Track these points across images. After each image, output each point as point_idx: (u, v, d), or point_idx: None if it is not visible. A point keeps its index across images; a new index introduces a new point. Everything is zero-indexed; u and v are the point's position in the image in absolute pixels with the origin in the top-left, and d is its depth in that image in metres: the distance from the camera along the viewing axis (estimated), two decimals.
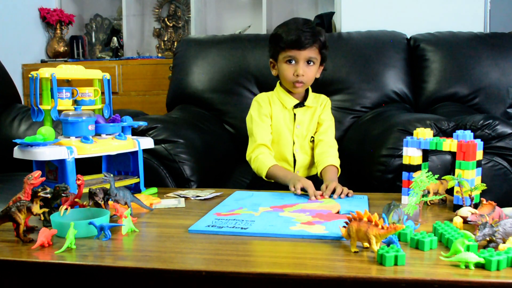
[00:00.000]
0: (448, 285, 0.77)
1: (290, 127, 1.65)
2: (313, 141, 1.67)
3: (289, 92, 1.66)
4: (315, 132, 1.68)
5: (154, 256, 0.90)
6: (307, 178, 1.48)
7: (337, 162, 1.58)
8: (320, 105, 1.70)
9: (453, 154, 1.33)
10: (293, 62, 1.57)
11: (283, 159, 1.65)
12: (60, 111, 1.32)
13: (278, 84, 1.70)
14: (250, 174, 1.77)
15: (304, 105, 1.65)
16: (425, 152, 1.32)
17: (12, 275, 0.91)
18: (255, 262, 0.87)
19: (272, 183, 1.57)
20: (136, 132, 1.67)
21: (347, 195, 1.36)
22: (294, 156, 1.65)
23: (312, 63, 1.58)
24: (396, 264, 0.83)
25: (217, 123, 2.16)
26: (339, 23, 2.50)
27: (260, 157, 1.59)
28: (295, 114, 1.65)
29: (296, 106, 1.65)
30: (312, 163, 1.67)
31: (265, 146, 1.61)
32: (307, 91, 1.69)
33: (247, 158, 1.64)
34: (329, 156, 1.58)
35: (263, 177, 1.56)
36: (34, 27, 3.21)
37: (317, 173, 1.61)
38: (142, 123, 1.52)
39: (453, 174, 1.23)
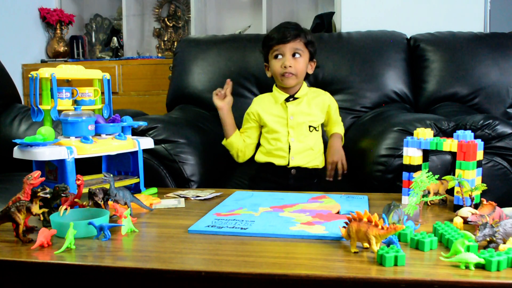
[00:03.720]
0: (448, 285, 0.77)
1: (283, 120, 1.70)
2: (311, 130, 1.71)
3: (283, 89, 1.72)
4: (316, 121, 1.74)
5: (153, 257, 0.90)
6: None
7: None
8: (323, 96, 1.77)
9: (453, 154, 1.33)
10: (280, 56, 1.68)
11: (278, 148, 1.70)
12: (60, 111, 1.32)
13: (274, 85, 1.77)
14: (250, 174, 1.77)
15: (295, 98, 1.71)
16: (425, 152, 1.31)
17: (12, 275, 0.90)
18: (254, 262, 0.87)
19: (271, 185, 1.63)
20: (136, 132, 1.67)
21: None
22: (289, 145, 1.69)
23: (298, 55, 1.68)
24: (396, 264, 0.83)
25: (217, 123, 2.15)
26: (339, 23, 2.50)
27: None
28: (287, 107, 1.71)
29: (288, 100, 1.71)
30: (309, 151, 1.70)
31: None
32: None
33: None
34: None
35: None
36: (34, 27, 3.21)
37: (314, 168, 1.71)
38: (142, 123, 1.52)
39: (453, 174, 1.23)
